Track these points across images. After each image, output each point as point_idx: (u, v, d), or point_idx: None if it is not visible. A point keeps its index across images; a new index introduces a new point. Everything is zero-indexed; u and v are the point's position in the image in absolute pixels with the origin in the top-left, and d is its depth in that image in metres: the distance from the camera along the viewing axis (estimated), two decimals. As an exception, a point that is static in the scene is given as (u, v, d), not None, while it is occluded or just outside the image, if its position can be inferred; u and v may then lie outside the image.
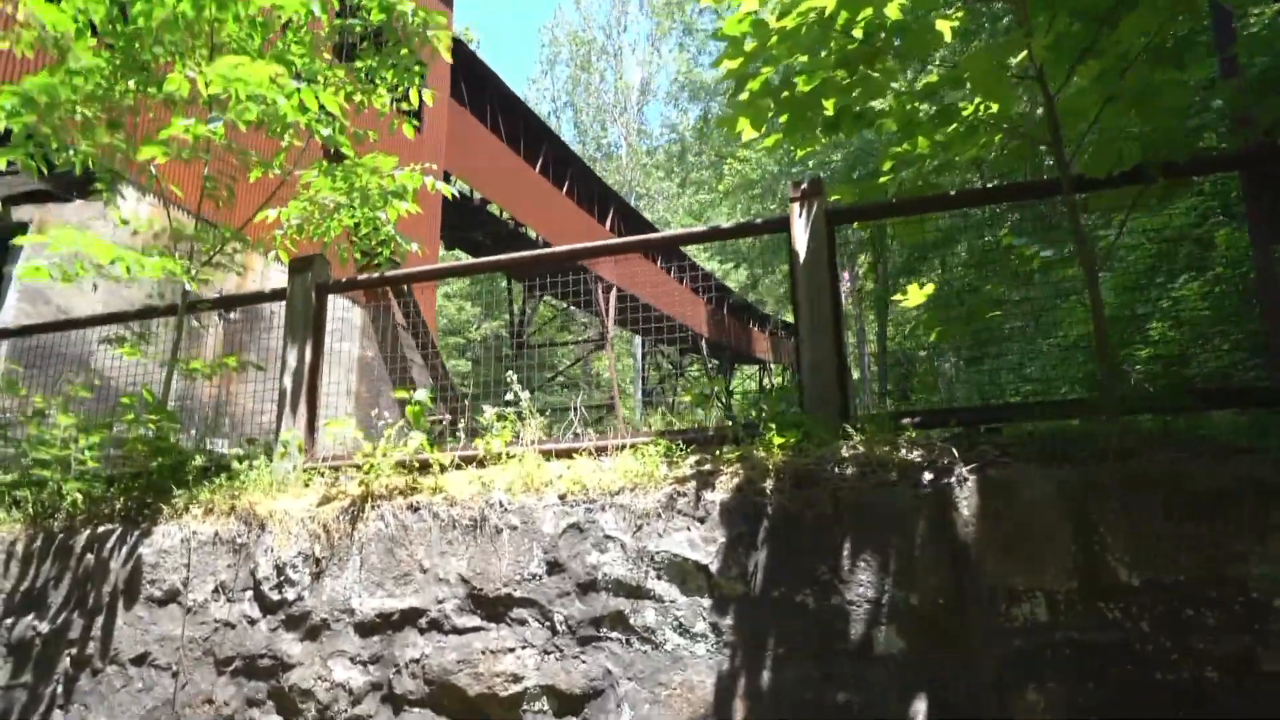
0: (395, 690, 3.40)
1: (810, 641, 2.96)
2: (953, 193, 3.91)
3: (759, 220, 4.43)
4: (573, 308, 30.34)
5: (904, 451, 3.19)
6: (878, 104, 4.12)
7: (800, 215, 4.06)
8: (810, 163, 20.73)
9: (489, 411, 4.18)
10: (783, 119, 4.07)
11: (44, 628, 4.00)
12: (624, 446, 3.88)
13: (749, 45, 3.80)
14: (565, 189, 22.98)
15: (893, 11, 3.50)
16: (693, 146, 42.86)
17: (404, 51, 5.36)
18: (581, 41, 47.50)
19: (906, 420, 3.51)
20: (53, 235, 3.99)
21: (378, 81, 5.51)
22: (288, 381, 4.76)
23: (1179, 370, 5.41)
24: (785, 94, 3.88)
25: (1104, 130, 3.35)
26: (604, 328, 24.05)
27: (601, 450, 3.93)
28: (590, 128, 46.18)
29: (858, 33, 3.63)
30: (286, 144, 4.86)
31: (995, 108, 3.94)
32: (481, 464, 4.03)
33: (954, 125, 3.93)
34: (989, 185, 4.03)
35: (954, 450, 3.11)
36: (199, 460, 4.58)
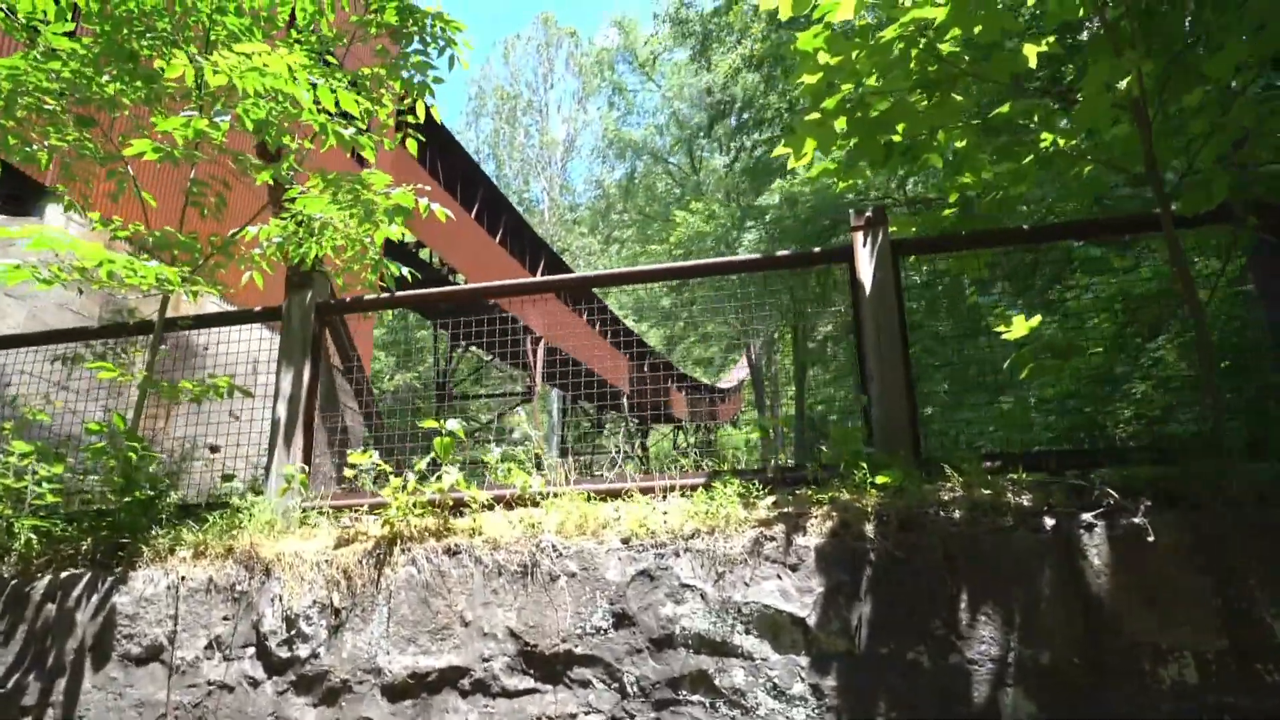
0: (433, 765, 2.93)
1: (928, 705, 2.64)
2: (1028, 226, 3.75)
3: (817, 250, 4.19)
4: (496, 360, 29.62)
5: (1009, 495, 2.94)
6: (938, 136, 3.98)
7: (864, 245, 3.85)
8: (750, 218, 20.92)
9: (495, 451, 3.80)
10: (850, 143, 3.88)
11: (-10, 691, 3.38)
12: (672, 488, 3.54)
13: (824, 59, 3.61)
14: (499, 238, 22.60)
15: (987, 34, 3.35)
16: (616, 204, 42.83)
17: (416, 60, 5.01)
18: (507, 96, 47.68)
19: (986, 463, 3.28)
20: (32, 235, 3.46)
21: (383, 91, 5.14)
22: (281, 411, 4.27)
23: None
24: (859, 114, 3.69)
25: (1203, 166, 3.24)
26: (531, 381, 23.48)
27: (647, 491, 3.58)
28: (513, 182, 46.09)
29: (946, 48, 3.47)
30: (295, 147, 4.43)
31: (1063, 141, 3.83)
32: (510, 505, 3.62)
33: (1028, 157, 3.80)
34: (1070, 220, 3.89)
35: (1073, 494, 2.87)
36: (173, 497, 4.03)
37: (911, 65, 3.65)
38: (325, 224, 4.95)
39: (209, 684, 3.24)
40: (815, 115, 3.72)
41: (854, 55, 3.46)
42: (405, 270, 5.14)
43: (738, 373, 38.40)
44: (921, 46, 3.47)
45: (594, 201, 46.00)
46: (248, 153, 4.80)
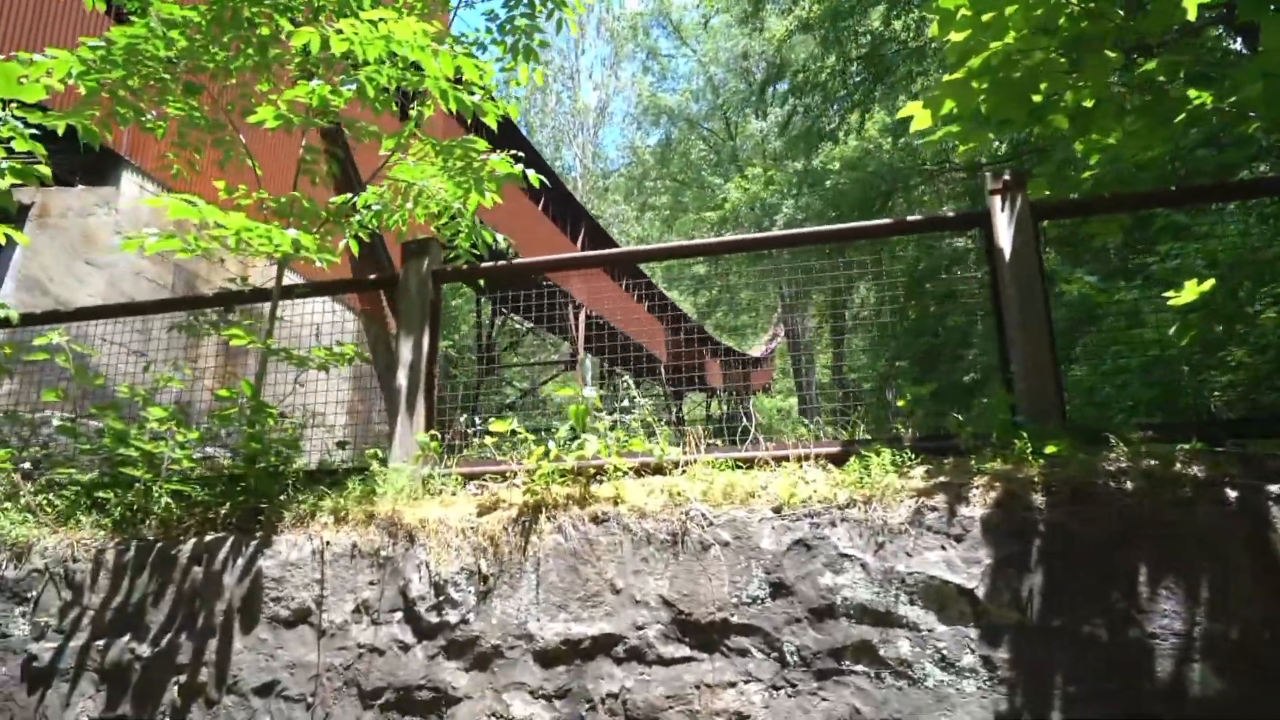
0: (591, 729, 2.94)
1: (1108, 680, 2.59)
2: (1175, 188, 3.61)
3: (951, 214, 4.08)
4: (534, 328, 29.50)
5: (1179, 466, 2.85)
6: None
7: (1003, 209, 3.73)
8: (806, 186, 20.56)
9: (603, 420, 3.76)
10: (984, 104, 3.76)
11: (144, 651, 3.46)
12: (806, 456, 3.50)
13: (968, 14, 3.48)
14: (541, 205, 22.48)
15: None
16: (652, 171, 42.17)
17: (521, 22, 4.94)
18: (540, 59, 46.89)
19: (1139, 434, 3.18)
20: (169, 203, 3.48)
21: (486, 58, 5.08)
22: (402, 379, 4.28)
23: None
24: (1002, 73, 3.57)
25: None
26: (574, 348, 23.35)
27: (780, 460, 3.53)
28: (546, 149, 45.67)
29: (1100, 3, 3.33)
30: (415, 114, 4.39)
31: (1208, 100, 3.67)
32: (639, 473, 3.60)
33: (1179, 115, 3.65)
34: (1222, 182, 3.74)
35: (1245, 465, 2.77)
36: (297, 464, 4.08)
37: (1062, 21, 3.51)
38: (421, 191, 4.94)
39: (359, 647, 3.28)
40: (959, 74, 3.60)
41: (1007, 11, 3.33)
42: (500, 237, 5.11)
43: (770, 341, 37.89)
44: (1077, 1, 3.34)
45: (627, 168, 45.22)
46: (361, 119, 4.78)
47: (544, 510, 3.32)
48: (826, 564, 2.95)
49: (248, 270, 12.62)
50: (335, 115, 4.60)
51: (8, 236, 4.21)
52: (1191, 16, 3.42)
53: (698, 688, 2.92)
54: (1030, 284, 3.61)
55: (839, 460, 3.46)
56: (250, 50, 4.65)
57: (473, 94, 4.36)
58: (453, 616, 3.22)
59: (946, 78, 3.68)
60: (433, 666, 3.17)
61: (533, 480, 3.39)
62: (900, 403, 3.79)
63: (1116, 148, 3.98)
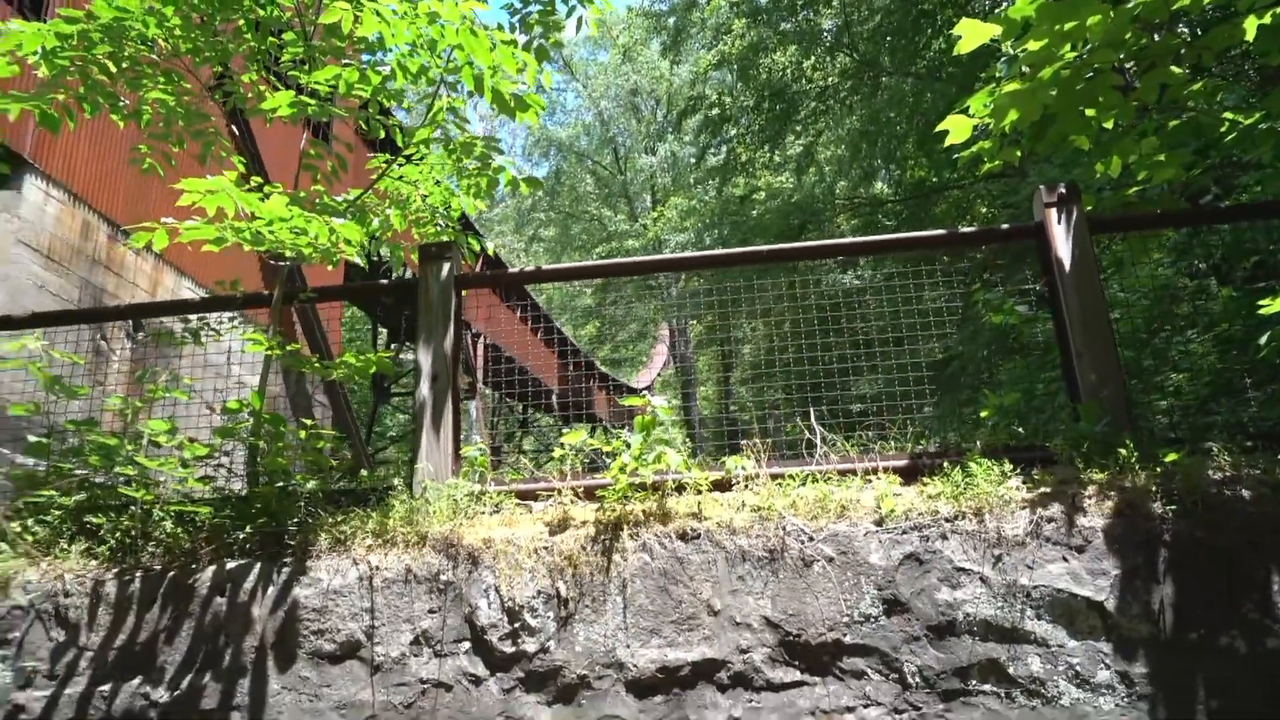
0: (698, 765, 2.70)
1: (1251, 692, 2.53)
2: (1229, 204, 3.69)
3: (1006, 226, 4.06)
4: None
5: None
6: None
7: (1059, 221, 3.74)
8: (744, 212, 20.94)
9: (674, 432, 3.57)
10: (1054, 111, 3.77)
11: (161, 696, 3.01)
12: (874, 469, 3.38)
13: (1048, 24, 3.47)
14: None
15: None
16: (542, 203, 40.67)
17: (538, 17, 4.71)
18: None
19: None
20: (205, 191, 3.10)
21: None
22: (425, 390, 3.95)
23: None
24: (1067, 83, 3.58)
25: None
26: (473, 377, 22.58)
27: (845, 474, 3.39)
28: None
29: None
30: (442, 103, 4.07)
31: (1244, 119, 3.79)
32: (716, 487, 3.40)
33: (1229, 134, 3.75)
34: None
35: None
36: (311, 485, 3.68)
37: (1128, 36, 3.55)
38: (408, 196, 4.64)
39: (421, 682, 2.94)
40: (1023, 84, 3.60)
41: (1090, 21, 3.34)
42: (489, 244, 4.85)
43: (651, 370, 37.82)
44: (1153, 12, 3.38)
45: (515, 200, 43.83)
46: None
47: (624, 527, 3.07)
48: (942, 578, 2.81)
49: (155, 286, 11.78)
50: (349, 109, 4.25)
51: None
52: (1249, 37, 3.51)
53: (814, 714, 2.72)
54: (1092, 294, 3.61)
55: (907, 473, 3.34)
56: (249, 35, 4.28)
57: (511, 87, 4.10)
58: (530, 645, 2.92)
59: (1008, 87, 3.67)
60: (510, 701, 2.86)
61: (608, 496, 3.14)
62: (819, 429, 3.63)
63: (1139, 165, 4.08)
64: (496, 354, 18.40)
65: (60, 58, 4.04)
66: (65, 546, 3.39)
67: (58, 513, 3.46)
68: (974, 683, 2.68)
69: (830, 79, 18.36)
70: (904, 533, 2.91)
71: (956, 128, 4.00)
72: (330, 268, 3.91)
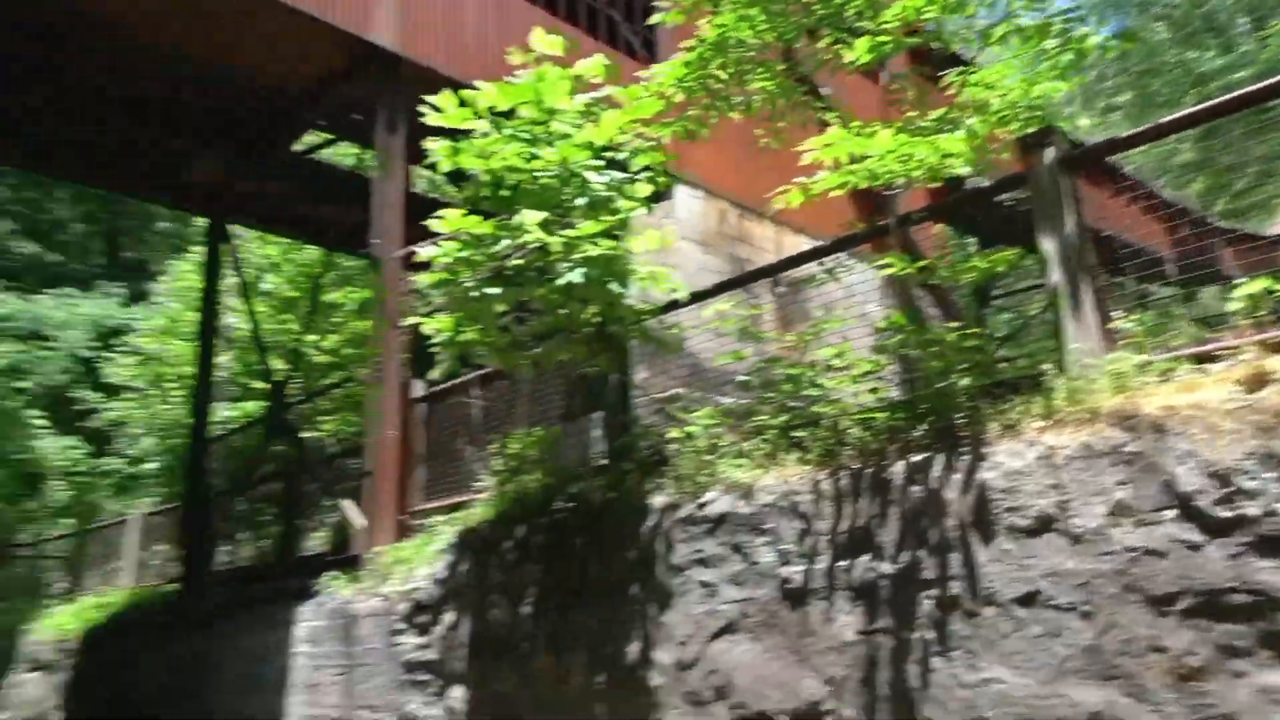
0: None
1: None
2: None
3: None
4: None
5: None
6: None
7: None
8: None
9: None
10: None
11: (885, 569, 3.64)
12: None
13: None
14: None
15: None
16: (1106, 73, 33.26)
17: None
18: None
19: None
20: (824, 145, 3.62)
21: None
22: (1056, 275, 3.93)
23: None
24: None
25: None
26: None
27: None
28: None
29: None
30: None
31: None
32: None
33: None
34: None
35: None
36: (966, 382, 3.94)
37: None
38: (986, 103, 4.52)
39: (1127, 550, 3.00)
40: None
41: None
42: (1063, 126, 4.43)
43: None
44: None
45: (1080, 76, 36.69)
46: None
47: (1352, 372, 2.67)
48: None
49: (777, 248, 13.50)
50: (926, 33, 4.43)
51: None
52: None
53: None
54: None
55: None
56: (817, 6, 4.71)
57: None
58: (1250, 509, 2.75)
59: None
60: (1240, 566, 2.75)
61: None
62: None
63: None
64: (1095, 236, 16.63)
65: (688, 81, 5.04)
66: (783, 457, 4.27)
67: (772, 432, 4.38)
68: None
69: None
70: None
71: None
72: (938, 184, 4.14)
